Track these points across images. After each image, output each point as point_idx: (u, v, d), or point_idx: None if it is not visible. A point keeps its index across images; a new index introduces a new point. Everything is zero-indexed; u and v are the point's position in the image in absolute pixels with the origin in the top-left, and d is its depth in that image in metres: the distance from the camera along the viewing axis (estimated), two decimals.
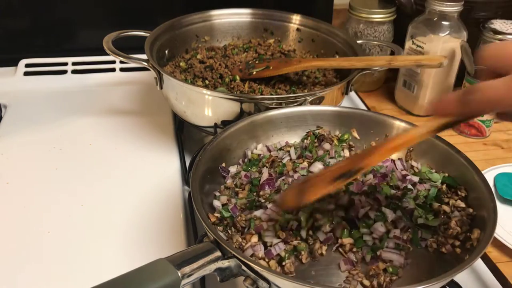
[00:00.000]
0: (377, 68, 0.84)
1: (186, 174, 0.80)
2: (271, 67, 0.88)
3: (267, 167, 0.69)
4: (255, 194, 0.65)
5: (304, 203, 0.56)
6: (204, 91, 0.78)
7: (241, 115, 0.76)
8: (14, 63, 1.10)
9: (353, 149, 0.75)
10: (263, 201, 0.63)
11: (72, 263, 0.64)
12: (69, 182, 0.78)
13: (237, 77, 0.88)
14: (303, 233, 0.59)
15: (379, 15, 1.07)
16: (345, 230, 0.59)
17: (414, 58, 0.85)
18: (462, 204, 0.63)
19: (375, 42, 1.06)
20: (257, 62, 0.91)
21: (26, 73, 1.09)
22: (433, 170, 0.69)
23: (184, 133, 0.91)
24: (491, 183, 0.81)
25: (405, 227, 0.60)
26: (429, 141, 0.69)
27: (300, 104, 0.76)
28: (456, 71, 1.02)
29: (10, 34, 1.11)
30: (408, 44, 1.02)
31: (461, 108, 0.44)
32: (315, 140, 0.74)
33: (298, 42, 1.04)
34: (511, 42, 0.42)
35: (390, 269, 0.56)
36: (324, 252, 0.58)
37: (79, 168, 0.81)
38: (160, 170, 0.81)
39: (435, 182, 0.67)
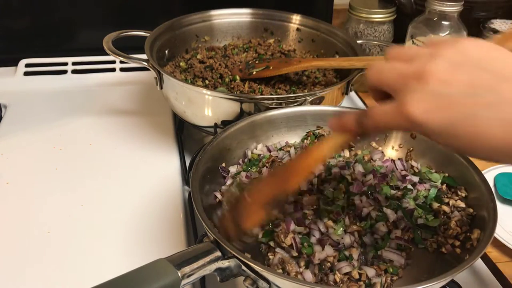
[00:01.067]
0: None
1: (186, 174, 0.80)
2: (271, 67, 0.88)
3: (267, 167, 0.69)
4: None
5: (245, 232, 0.55)
6: (204, 91, 0.78)
7: (241, 115, 0.76)
8: (14, 63, 1.10)
9: (353, 149, 0.75)
10: None
11: (72, 263, 0.64)
12: (69, 182, 0.78)
13: (237, 77, 0.88)
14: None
15: (379, 15, 1.07)
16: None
17: None
18: (462, 204, 0.63)
19: (375, 42, 1.06)
20: (257, 62, 0.91)
21: (26, 73, 1.08)
22: (433, 170, 0.69)
23: (184, 133, 0.91)
24: (491, 183, 0.81)
25: (406, 227, 0.60)
26: (429, 141, 0.69)
27: (300, 104, 0.76)
28: None
29: (10, 34, 1.11)
30: (408, 44, 1.02)
31: (357, 128, 0.47)
32: (315, 140, 0.74)
33: (298, 42, 1.04)
34: (389, 68, 0.44)
35: (391, 269, 0.56)
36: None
37: (79, 168, 0.81)
38: (160, 170, 0.81)
39: (435, 182, 0.67)
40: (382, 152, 0.73)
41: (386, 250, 0.58)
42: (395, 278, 0.56)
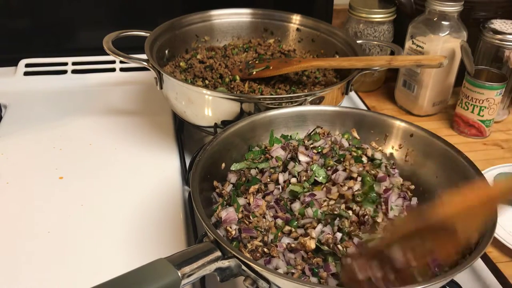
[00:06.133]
0: (377, 68, 0.84)
1: (186, 174, 0.80)
2: (271, 67, 0.88)
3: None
4: None
5: None
6: (204, 91, 0.78)
7: (241, 115, 0.76)
8: (14, 63, 1.10)
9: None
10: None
11: (72, 263, 0.64)
12: (69, 182, 0.78)
13: (237, 77, 0.88)
14: None
15: (379, 15, 1.07)
16: None
17: (414, 58, 0.85)
18: None
19: (375, 42, 1.06)
20: (257, 62, 0.91)
21: (26, 73, 1.09)
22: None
23: (184, 133, 0.91)
24: (491, 183, 0.81)
25: None
26: (429, 141, 0.69)
27: (300, 104, 0.76)
28: (456, 71, 1.02)
29: (10, 34, 1.11)
30: (408, 44, 1.02)
31: None
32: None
33: (298, 42, 1.04)
34: None
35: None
36: None
37: (79, 168, 0.81)
38: (160, 170, 0.81)
39: None
40: (382, 152, 0.73)
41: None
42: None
